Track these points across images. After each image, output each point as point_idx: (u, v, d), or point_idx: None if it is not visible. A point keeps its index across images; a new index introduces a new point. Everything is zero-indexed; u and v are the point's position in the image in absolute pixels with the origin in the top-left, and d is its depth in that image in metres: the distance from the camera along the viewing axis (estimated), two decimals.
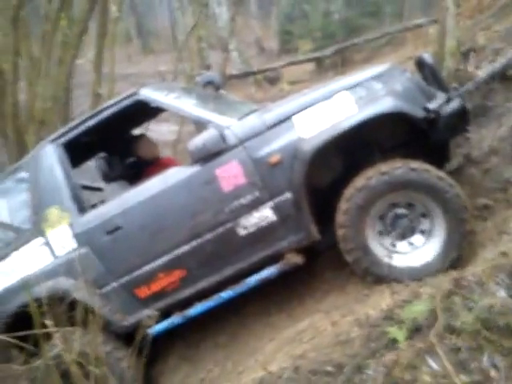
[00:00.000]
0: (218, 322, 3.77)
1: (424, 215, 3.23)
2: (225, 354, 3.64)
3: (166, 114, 4.94)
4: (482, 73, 4.88)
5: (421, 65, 3.75)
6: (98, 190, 4.69)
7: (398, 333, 2.51)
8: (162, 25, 23.08)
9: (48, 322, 2.72)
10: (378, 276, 3.23)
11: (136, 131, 4.97)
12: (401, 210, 3.24)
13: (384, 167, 3.18)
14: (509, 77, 4.60)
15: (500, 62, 4.67)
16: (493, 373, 2.19)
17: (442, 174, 3.17)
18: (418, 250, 3.26)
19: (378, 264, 3.22)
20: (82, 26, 6.85)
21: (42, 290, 3.32)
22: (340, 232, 3.25)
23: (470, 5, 8.24)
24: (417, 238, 3.27)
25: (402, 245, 3.28)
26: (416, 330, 2.49)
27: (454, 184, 3.16)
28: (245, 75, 12.16)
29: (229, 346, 3.68)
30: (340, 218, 3.24)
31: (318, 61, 12.79)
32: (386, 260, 3.23)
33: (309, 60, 12.56)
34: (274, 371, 2.68)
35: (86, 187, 4.20)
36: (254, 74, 12.38)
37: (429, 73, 3.66)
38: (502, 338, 2.25)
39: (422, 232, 3.26)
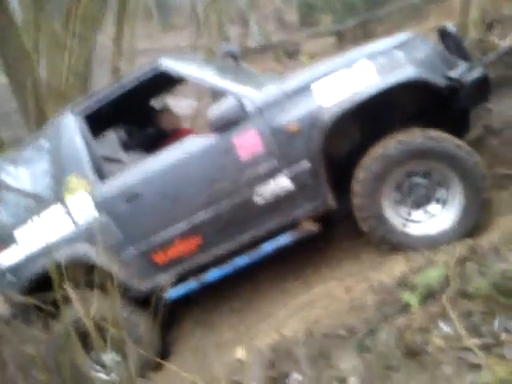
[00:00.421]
0: (232, 287, 3.83)
1: (441, 184, 3.21)
2: (239, 318, 3.70)
3: (185, 89, 4.95)
4: (506, 43, 4.79)
5: (444, 35, 3.68)
6: (118, 161, 4.74)
7: (411, 298, 2.53)
8: (182, 0, 22.91)
9: (67, 286, 2.77)
10: (393, 244, 3.24)
11: (156, 103, 4.98)
12: (418, 179, 3.23)
13: (401, 136, 3.16)
14: None
15: None
16: (504, 336, 2.19)
17: (460, 142, 3.14)
18: (435, 219, 3.25)
19: (394, 232, 3.23)
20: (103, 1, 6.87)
21: (62, 255, 3.41)
22: (356, 201, 3.26)
23: None
24: (433, 207, 3.26)
25: (417, 213, 3.28)
26: (429, 296, 2.50)
27: (473, 152, 3.13)
28: (264, 48, 12.07)
29: (243, 311, 3.74)
30: (356, 186, 3.24)
31: (340, 34, 12.61)
32: (401, 228, 3.24)
33: (330, 33, 12.40)
34: (287, 335, 2.73)
35: (106, 158, 4.24)
36: (273, 47, 12.27)
37: (451, 43, 3.59)
38: None
39: (439, 200, 3.25)
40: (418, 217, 3.28)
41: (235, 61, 4.43)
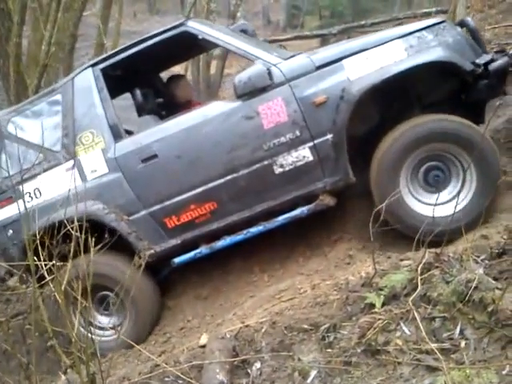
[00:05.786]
0: (201, 275, 3.82)
1: (457, 167, 3.28)
2: (205, 306, 3.70)
3: None
4: None
5: (462, 27, 3.67)
6: (130, 133, 4.58)
7: (375, 298, 2.56)
8: None
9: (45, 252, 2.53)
10: (406, 224, 3.23)
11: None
12: (435, 163, 3.29)
13: (422, 119, 3.23)
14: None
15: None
16: (463, 344, 2.26)
17: (478, 129, 3.20)
18: (449, 202, 3.26)
19: (408, 212, 3.25)
20: None
21: (68, 212, 3.24)
22: (374, 178, 3.30)
23: None
24: (447, 191, 3.31)
25: (432, 196, 3.29)
26: (393, 298, 2.55)
27: (489, 140, 3.21)
28: None
29: (209, 300, 3.74)
30: (375, 163, 3.28)
31: (324, 38, 12.74)
32: (415, 209, 3.28)
33: (314, 36, 12.49)
34: (251, 325, 2.75)
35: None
36: None
37: (469, 35, 3.61)
38: (475, 312, 2.31)
39: (455, 183, 3.30)
40: (431, 199, 3.28)
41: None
